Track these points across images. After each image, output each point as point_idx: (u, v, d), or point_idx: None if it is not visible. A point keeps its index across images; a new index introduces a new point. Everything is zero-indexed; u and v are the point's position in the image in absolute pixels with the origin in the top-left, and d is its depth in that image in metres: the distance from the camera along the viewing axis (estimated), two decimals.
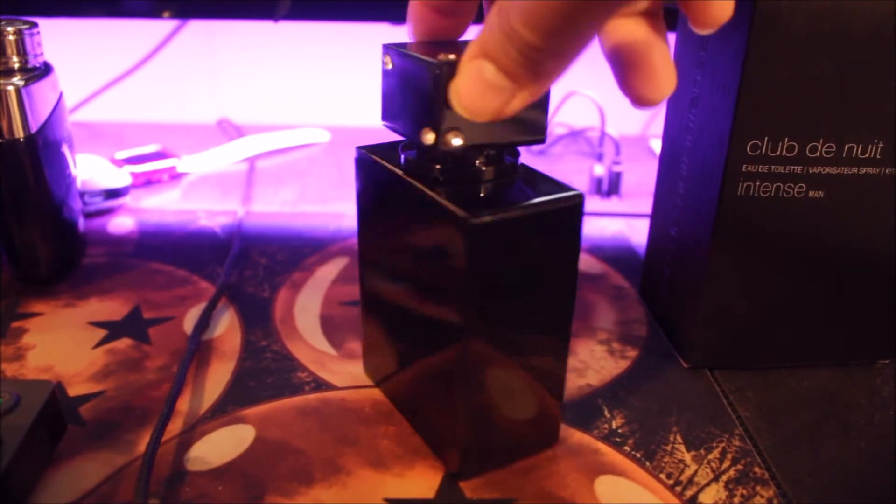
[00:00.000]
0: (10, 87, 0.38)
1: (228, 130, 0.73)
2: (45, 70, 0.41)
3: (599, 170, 0.60)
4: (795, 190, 0.34)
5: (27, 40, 0.39)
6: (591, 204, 0.58)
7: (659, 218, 0.41)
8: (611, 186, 0.60)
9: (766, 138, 0.32)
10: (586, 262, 0.48)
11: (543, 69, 0.22)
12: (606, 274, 0.47)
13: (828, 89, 0.32)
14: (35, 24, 0.40)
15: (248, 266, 0.46)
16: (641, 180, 0.63)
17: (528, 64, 0.21)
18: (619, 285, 0.46)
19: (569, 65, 0.22)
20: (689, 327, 0.37)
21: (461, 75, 0.23)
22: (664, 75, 0.26)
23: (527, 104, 0.23)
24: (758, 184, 0.33)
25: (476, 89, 0.23)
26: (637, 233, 0.53)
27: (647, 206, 0.58)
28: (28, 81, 0.39)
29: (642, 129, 0.82)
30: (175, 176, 0.61)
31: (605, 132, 0.63)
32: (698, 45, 0.35)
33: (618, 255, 0.50)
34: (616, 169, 0.60)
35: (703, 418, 0.34)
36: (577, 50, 0.21)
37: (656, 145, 0.73)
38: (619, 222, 0.55)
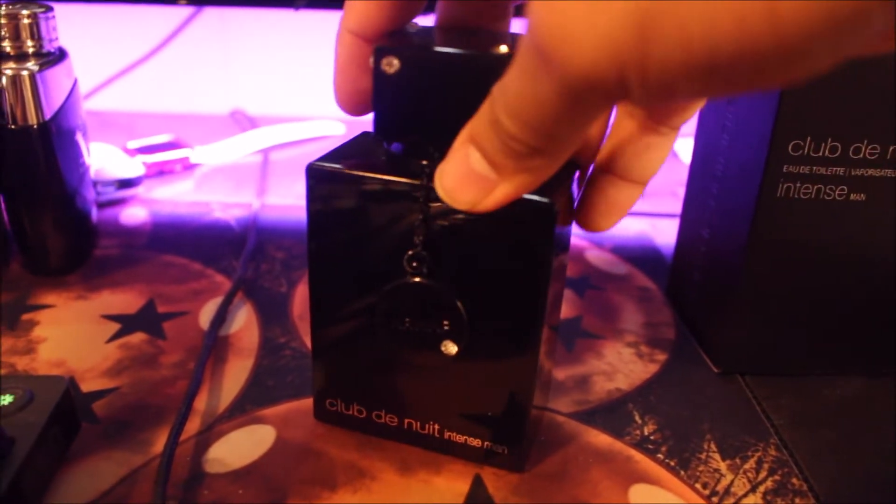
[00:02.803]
0: (25, 73, 0.37)
1: (242, 121, 0.71)
2: (60, 55, 0.40)
3: None
4: (837, 192, 0.32)
5: (42, 24, 0.38)
6: None
7: (690, 219, 0.40)
8: None
9: (809, 138, 0.31)
10: (610, 262, 0.47)
11: (530, 164, 0.20)
12: (631, 274, 0.46)
13: (874, 88, 0.30)
14: (50, 8, 0.39)
15: (264, 260, 0.45)
16: (663, 180, 0.62)
17: (512, 156, 0.20)
18: (644, 286, 0.45)
19: (559, 162, 0.20)
20: (720, 331, 0.36)
21: (449, 157, 0.22)
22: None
23: (512, 198, 0.21)
24: (798, 185, 0.32)
25: (458, 174, 0.21)
26: (660, 233, 0.52)
27: (669, 205, 0.56)
28: (43, 67, 0.38)
29: None
30: (188, 166, 0.60)
31: None
32: None
33: (642, 256, 0.48)
34: None
35: (737, 426, 0.33)
36: (565, 149, 0.20)
37: (678, 145, 0.72)
38: (642, 222, 0.54)
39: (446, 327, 0.27)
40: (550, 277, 0.26)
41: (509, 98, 0.19)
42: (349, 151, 0.28)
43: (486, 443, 0.29)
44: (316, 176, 0.27)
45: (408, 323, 0.27)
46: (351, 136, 0.29)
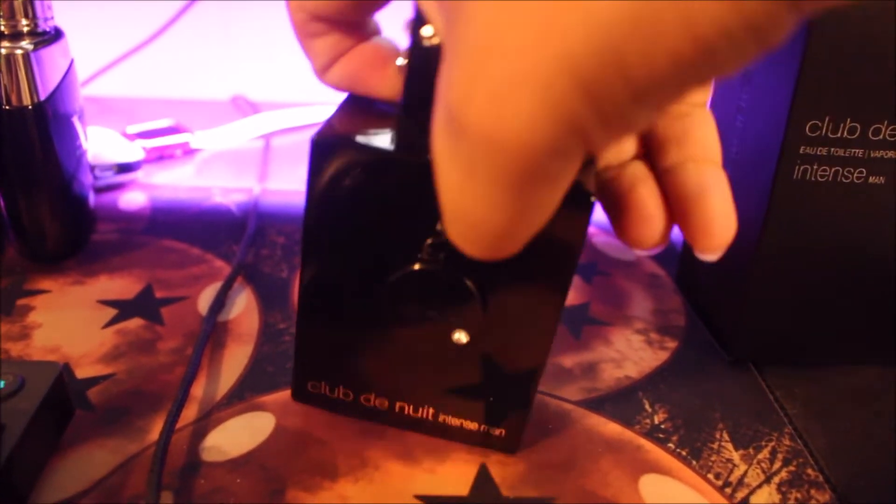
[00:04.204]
0: (18, 51, 0.36)
1: (243, 106, 0.70)
2: (56, 35, 0.39)
3: None
4: (855, 175, 0.31)
5: (37, 2, 0.37)
6: None
7: None
8: None
9: (828, 118, 0.30)
10: (618, 248, 0.46)
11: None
12: (640, 260, 0.45)
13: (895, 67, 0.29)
14: None
15: (264, 245, 0.44)
16: None
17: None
18: (653, 272, 0.44)
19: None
20: (732, 319, 0.35)
21: None
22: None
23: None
24: (815, 167, 0.31)
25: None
26: None
27: None
28: (37, 46, 0.37)
29: None
30: (188, 151, 0.59)
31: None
32: None
33: None
34: None
35: (750, 415, 0.32)
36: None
37: None
38: None
39: (459, 316, 0.26)
40: (574, 269, 0.24)
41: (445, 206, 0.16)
42: (354, 119, 0.25)
43: (483, 426, 0.28)
44: (322, 151, 0.23)
45: (415, 311, 0.26)
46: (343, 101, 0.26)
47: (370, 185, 0.24)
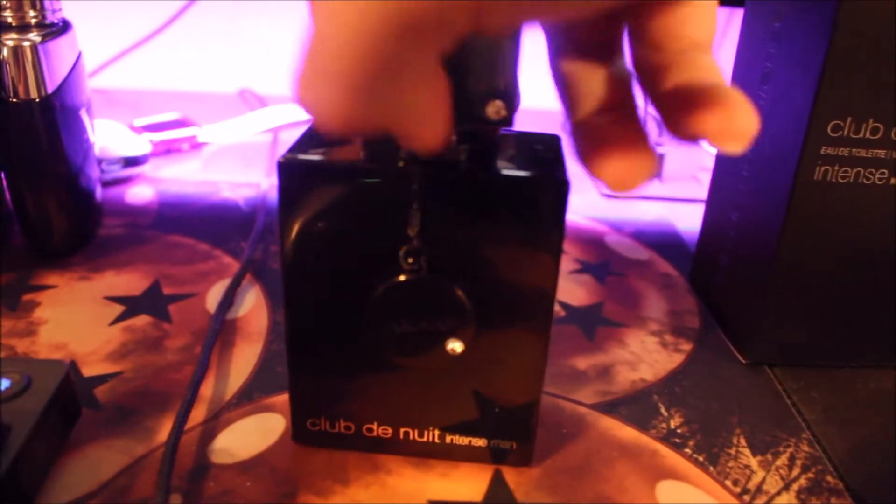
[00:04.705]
0: (26, 43, 0.36)
1: (250, 100, 0.70)
2: (64, 27, 0.38)
3: None
4: (877, 176, 0.31)
5: None
6: None
7: (717, 203, 0.38)
8: None
9: (850, 118, 0.30)
10: (631, 247, 0.46)
11: None
12: (652, 260, 0.44)
13: None
14: None
15: (273, 241, 0.44)
16: (681, 164, 0.60)
17: None
18: (666, 273, 0.43)
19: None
20: (749, 321, 0.35)
21: None
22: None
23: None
24: (836, 168, 0.31)
25: None
26: (680, 218, 0.50)
27: (688, 190, 0.55)
28: (45, 38, 0.36)
29: None
30: (196, 145, 0.58)
31: (647, 111, 0.60)
32: (772, 15, 0.33)
33: (663, 241, 0.47)
34: (658, 151, 0.57)
35: (768, 420, 0.31)
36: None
37: None
38: (662, 207, 0.52)
39: (450, 325, 0.25)
40: (560, 257, 0.24)
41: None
42: (320, 138, 0.25)
43: (493, 441, 0.27)
44: (289, 171, 0.23)
45: (406, 325, 0.25)
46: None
47: (339, 201, 0.24)
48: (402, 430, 0.28)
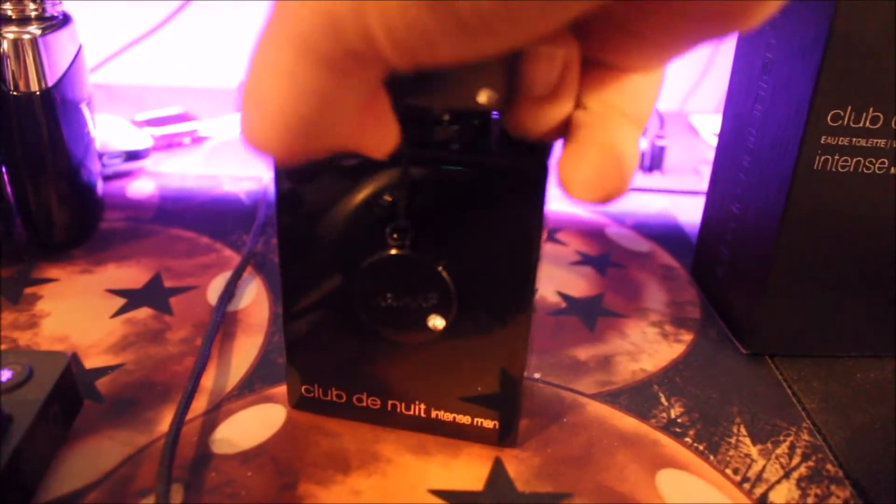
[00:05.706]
0: (26, 36, 0.36)
1: None
2: (64, 20, 0.38)
3: (642, 143, 0.57)
4: (877, 165, 0.31)
5: None
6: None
7: (718, 194, 0.38)
8: (653, 161, 0.57)
9: (850, 108, 0.30)
10: (631, 239, 0.46)
11: None
12: (654, 252, 0.44)
13: None
14: None
15: (274, 234, 0.44)
16: (682, 157, 0.60)
17: None
18: (667, 264, 0.43)
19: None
20: (750, 311, 0.35)
21: None
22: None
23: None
24: (836, 158, 0.30)
25: None
26: (682, 210, 0.50)
27: (690, 183, 0.55)
28: (45, 31, 0.36)
29: (680, 104, 0.79)
30: (197, 139, 0.59)
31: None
32: None
33: (664, 233, 0.47)
34: (659, 143, 0.57)
35: (768, 409, 0.31)
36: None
37: (696, 121, 0.70)
38: (663, 199, 0.52)
39: (432, 301, 0.25)
40: (541, 240, 0.24)
41: None
42: None
43: (476, 419, 0.28)
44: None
45: (390, 299, 0.26)
46: None
47: (332, 180, 0.25)
48: (389, 403, 0.28)
